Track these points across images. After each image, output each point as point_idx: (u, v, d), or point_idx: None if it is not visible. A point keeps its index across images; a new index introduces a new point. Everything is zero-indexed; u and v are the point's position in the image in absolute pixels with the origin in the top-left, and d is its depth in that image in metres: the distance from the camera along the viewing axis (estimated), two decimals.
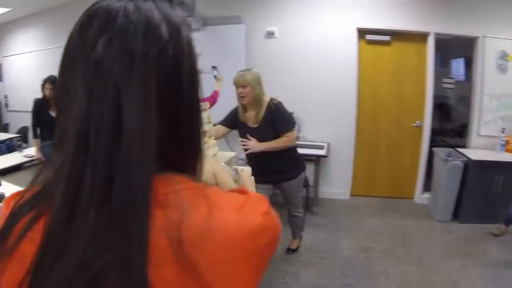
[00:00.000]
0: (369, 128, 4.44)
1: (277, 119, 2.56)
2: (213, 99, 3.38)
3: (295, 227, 3.11)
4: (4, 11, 6.22)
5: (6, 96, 7.71)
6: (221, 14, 4.45)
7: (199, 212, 0.43)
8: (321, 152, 3.96)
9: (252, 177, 1.70)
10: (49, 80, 3.89)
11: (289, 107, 4.19)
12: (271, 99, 2.60)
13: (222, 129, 2.80)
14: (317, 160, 4.06)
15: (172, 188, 0.44)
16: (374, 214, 4.06)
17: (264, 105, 2.57)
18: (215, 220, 0.43)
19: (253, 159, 2.72)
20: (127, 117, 0.40)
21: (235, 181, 1.65)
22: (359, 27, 4.18)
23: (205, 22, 4.49)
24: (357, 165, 4.48)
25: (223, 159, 2.75)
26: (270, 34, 4.32)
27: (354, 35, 4.19)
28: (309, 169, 4.01)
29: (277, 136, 2.57)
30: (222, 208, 0.45)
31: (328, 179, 4.46)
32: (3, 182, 3.16)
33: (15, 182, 3.10)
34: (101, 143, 0.40)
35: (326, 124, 4.35)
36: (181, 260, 0.40)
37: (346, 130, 4.36)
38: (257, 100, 2.54)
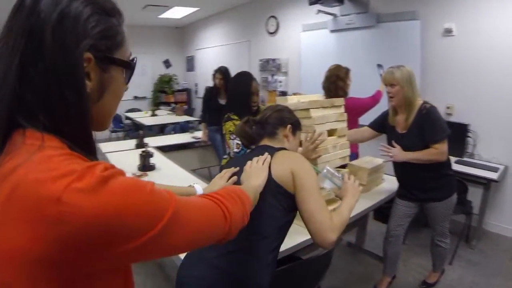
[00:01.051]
0: None
1: (427, 126, 2.16)
2: (374, 99, 3.14)
3: (436, 259, 2.61)
4: (193, 10, 7.22)
5: (196, 84, 9.04)
6: (395, 10, 4.13)
7: (14, 163, 0.49)
8: (493, 175, 3.23)
9: (359, 187, 1.51)
10: (219, 70, 4.30)
11: (463, 117, 3.70)
12: (424, 102, 2.21)
13: (368, 131, 2.54)
14: (487, 184, 3.28)
15: (27, 141, 0.52)
16: None
17: (415, 109, 2.21)
18: (16, 173, 0.48)
19: (398, 171, 2.42)
20: None
21: (339, 188, 1.48)
22: None
23: (379, 19, 4.28)
24: None
25: (370, 165, 2.56)
26: (448, 32, 3.71)
27: None
28: (476, 194, 3.36)
29: (425, 146, 2.19)
30: (37, 167, 0.48)
31: (499, 210, 3.60)
32: (161, 156, 3.67)
33: (171, 158, 3.56)
34: None
35: (506, 143, 3.50)
36: None
37: None
38: (407, 102, 2.20)
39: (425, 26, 3.88)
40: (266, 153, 1.36)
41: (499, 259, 3.13)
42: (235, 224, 0.76)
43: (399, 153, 2.22)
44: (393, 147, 2.23)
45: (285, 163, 1.31)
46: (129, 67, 0.65)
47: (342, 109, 2.16)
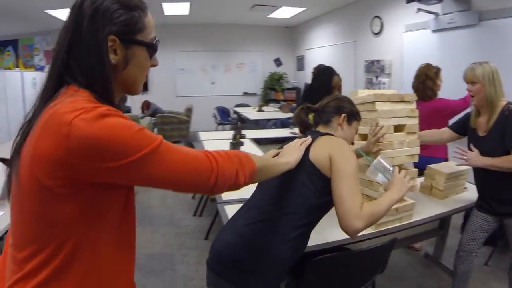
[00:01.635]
0: None
1: (508, 130, 1.92)
2: (465, 102, 2.90)
3: None
4: (301, 10, 7.36)
5: (305, 84, 9.23)
6: (499, 6, 3.67)
7: (56, 102, 0.74)
8: None
9: (408, 184, 1.43)
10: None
11: None
12: (508, 103, 1.97)
13: (448, 133, 2.35)
14: None
15: (68, 92, 0.76)
16: None
17: (497, 110, 1.97)
18: (54, 108, 0.72)
19: (478, 179, 2.20)
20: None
21: (388, 180, 1.44)
22: None
23: (482, 17, 3.89)
24: None
25: (449, 170, 2.41)
26: None
27: None
28: None
29: (506, 152, 1.95)
30: (67, 105, 0.71)
31: None
32: (254, 147, 3.89)
33: (265, 150, 3.75)
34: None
35: None
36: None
37: None
38: (488, 102, 1.98)
39: None
40: (309, 136, 1.43)
41: None
42: (223, 178, 0.86)
43: (474, 158, 2.01)
44: (471, 150, 2.05)
45: (325, 147, 1.35)
46: (149, 46, 0.85)
47: (413, 105, 2.05)
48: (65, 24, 0.79)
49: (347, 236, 1.24)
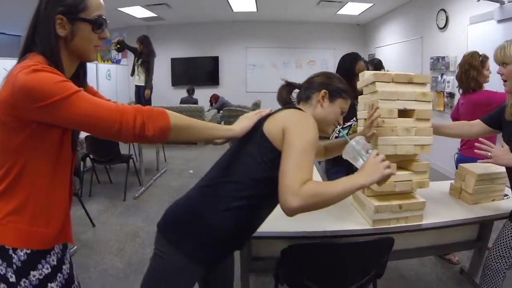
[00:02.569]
0: None
1: None
2: None
3: None
4: (368, 6, 7.06)
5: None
6: None
7: (16, 65, 1.00)
8: None
9: (384, 170, 1.23)
10: (372, 62, 4.16)
11: None
12: None
13: (479, 126, 2.03)
14: None
15: (29, 56, 1.03)
16: None
17: None
18: (15, 67, 0.99)
19: (509, 175, 1.91)
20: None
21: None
22: None
23: None
24: None
25: (482, 171, 2.15)
26: None
27: None
28: None
29: None
30: (21, 64, 0.97)
31: None
32: None
33: None
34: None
35: None
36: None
37: None
38: None
39: None
40: (269, 109, 1.35)
41: None
42: (126, 127, 1.00)
43: (502, 154, 1.68)
44: (501, 145, 1.73)
45: (281, 119, 1.25)
46: (91, 22, 1.08)
47: (425, 88, 1.82)
48: (34, 11, 1.07)
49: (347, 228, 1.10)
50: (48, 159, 1.06)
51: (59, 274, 1.12)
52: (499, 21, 4.15)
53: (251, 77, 9.82)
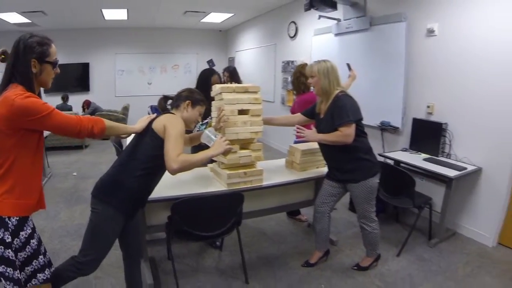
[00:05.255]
0: None
1: (335, 112, 2.45)
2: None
3: (364, 241, 2.77)
4: (229, 16, 7.93)
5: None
6: (386, 13, 4.30)
7: (6, 91, 1.51)
8: (451, 172, 3.18)
9: (225, 146, 2.07)
10: (228, 69, 4.63)
11: (443, 116, 3.75)
12: (340, 91, 2.51)
13: (299, 117, 2.87)
14: (448, 182, 3.22)
15: (12, 86, 1.52)
16: None
17: (331, 98, 2.51)
18: (5, 94, 1.48)
19: (323, 153, 2.75)
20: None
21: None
22: None
23: (372, 22, 4.50)
24: None
25: (305, 147, 2.98)
26: (430, 32, 3.78)
27: None
28: (438, 192, 3.52)
29: (335, 129, 2.47)
30: (12, 92, 1.47)
31: (473, 213, 3.46)
32: None
33: None
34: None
35: (483, 144, 3.38)
36: None
37: (506, 155, 3.20)
38: (323, 91, 2.52)
39: (411, 28, 3.99)
40: (155, 114, 2.03)
41: (452, 260, 3.03)
42: (84, 129, 1.62)
43: (310, 134, 2.56)
44: (310, 129, 2.58)
45: (163, 120, 1.94)
46: (52, 63, 1.61)
47: (257, 95, 2.56)
48: (11, 52, 1.54)
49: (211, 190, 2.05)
50: (30, 153, 1.56)
51: (35, 233, 1.63)
52: (336, 34, 5.16)
53: (120, 82, 9.94)
